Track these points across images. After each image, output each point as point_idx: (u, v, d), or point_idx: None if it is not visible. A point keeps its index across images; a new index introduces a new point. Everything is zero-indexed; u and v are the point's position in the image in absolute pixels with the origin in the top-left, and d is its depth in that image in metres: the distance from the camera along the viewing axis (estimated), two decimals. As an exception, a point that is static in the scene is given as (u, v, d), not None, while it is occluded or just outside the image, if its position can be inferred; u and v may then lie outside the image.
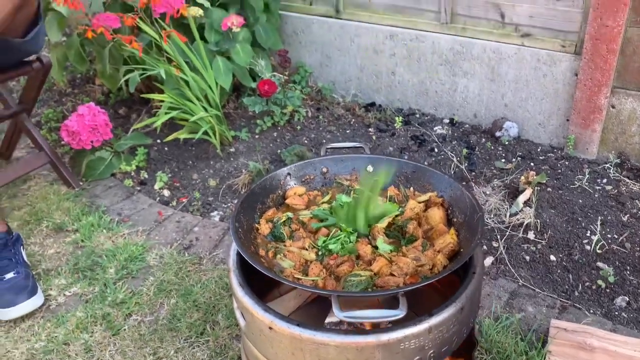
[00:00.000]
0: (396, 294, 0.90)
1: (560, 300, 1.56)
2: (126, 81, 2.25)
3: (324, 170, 1.29)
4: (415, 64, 2.43)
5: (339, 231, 1.12)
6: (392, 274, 1.01)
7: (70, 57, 2.50)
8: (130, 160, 2.29)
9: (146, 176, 2.24)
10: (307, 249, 1.10)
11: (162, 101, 2.23)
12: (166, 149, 2.39)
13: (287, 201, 1.24)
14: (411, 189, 1.26)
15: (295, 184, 1.27)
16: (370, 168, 1.29)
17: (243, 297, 1.01)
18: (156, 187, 2.18)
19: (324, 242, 1.11)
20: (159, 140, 2.42)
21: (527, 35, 2.12)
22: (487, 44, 2.21)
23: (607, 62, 1.93)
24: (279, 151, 2.27)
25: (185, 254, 1.81)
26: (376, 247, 1.09)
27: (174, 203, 2.09)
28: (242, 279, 1.05)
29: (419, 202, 1.20)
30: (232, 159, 2.28)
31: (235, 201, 2.07)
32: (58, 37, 2.47)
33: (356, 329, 0.99)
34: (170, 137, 2.21)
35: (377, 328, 0.95)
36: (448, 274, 0.98)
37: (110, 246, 1.85)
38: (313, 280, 1.02)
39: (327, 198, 1.25)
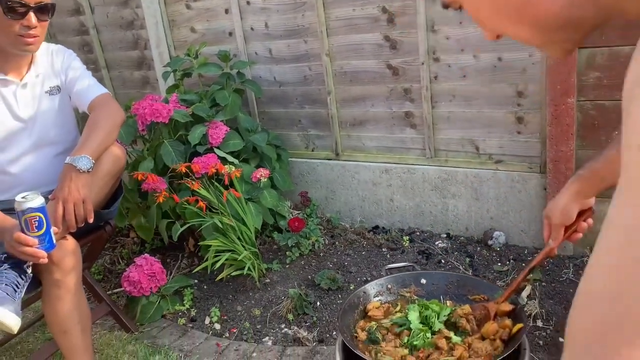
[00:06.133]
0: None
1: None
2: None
3: (389, 286, 1.66)
4: (410, 191, 2.91)
5: (418, 330, 1.47)
6: (469, 357, 1.36)
7: (112, 215, 2.86)
8: (175, 302, 2.57)
9: (194, 314, 2.51)
10: (398, 347, 1.43)
11: (197, 245, 2.59)
12: (205, 287, 2.69)
13: (369, 314, 1.58)
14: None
15: (371, 300, 1.63)
16: (423, 281, 1.67)
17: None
18: (206, 322, 2.45)
19: (408, 340, 1.45)
20: (196, 280, 2.73)
21: (499, 162, 2.66)
22: (468, 170, 2.74)
23: (567, 178, 2.46)
24: (309, 277, 2.61)
25: (254, 377, 2.07)
26: (448, 339, 1.45)
27: (227, 334, 2.36)
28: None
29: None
30: (269, 288, 2.60)
31: (282, 326, 2.37)
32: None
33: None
34: (221, 275, 2.53)
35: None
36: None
37: (186, 378, 2.08)
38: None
39: (397, 308, 1.60)
